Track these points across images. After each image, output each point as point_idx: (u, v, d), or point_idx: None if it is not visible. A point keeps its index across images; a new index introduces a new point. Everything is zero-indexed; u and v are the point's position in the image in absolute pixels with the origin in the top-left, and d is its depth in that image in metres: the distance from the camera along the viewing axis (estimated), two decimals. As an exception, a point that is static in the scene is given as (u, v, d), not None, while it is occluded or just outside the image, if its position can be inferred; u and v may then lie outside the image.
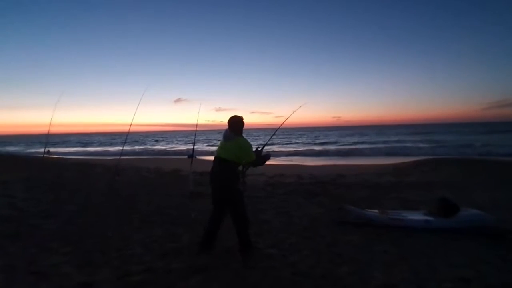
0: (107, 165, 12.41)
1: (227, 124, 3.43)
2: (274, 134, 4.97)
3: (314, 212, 5.20)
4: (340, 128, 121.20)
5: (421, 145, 27.66)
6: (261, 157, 3.50)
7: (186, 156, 6.25)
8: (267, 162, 3.53)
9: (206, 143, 38.65)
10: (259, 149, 3.65)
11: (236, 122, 3.42)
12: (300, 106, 4.82)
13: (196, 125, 6.26)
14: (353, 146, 29.76)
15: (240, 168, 3.27)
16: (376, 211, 4.71)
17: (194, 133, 6.49)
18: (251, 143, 3.42)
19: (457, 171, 10.30)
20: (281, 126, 4.75)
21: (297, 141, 42.16)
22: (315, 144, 35.91)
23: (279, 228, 4.34)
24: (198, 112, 6.33)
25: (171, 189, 7.25)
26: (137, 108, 7.63)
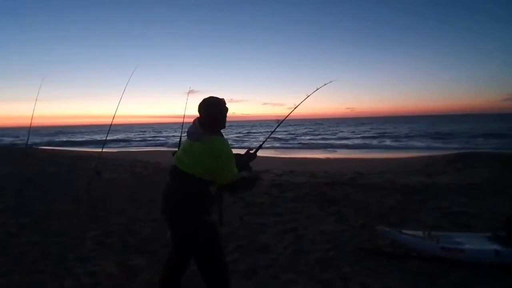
0: (107, 158, 11.45)
1: (197, 111, 2.01)
2: (282, 122, 3.23)
3: (331, 230, 3.91)
4: (354, 120, 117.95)
5: (444, 138, 25.66)
6: (248, 178, 1.99)
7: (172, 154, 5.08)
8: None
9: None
10: (251, 151, 2.22)
11: (211, 107, 1.96)
12: (325, 84, 3.32)
13: (184, 116, 5.06)
14: (369, 138, 28.02)
15: (213, 189, 1.88)
16: (419, 233, 3.37)
17: (181, 125, 5.28)
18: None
19: (499, 170, 8.77)
20: (291, 115, 3.36)
21: (308, 133, 40.58)
22: (329, 136, 34.26)
23: (282, 260, 3.06)
24: (186, 102, 5.10)
25: (158, 192, 6.07)
26: (123, 93, 6.68)
